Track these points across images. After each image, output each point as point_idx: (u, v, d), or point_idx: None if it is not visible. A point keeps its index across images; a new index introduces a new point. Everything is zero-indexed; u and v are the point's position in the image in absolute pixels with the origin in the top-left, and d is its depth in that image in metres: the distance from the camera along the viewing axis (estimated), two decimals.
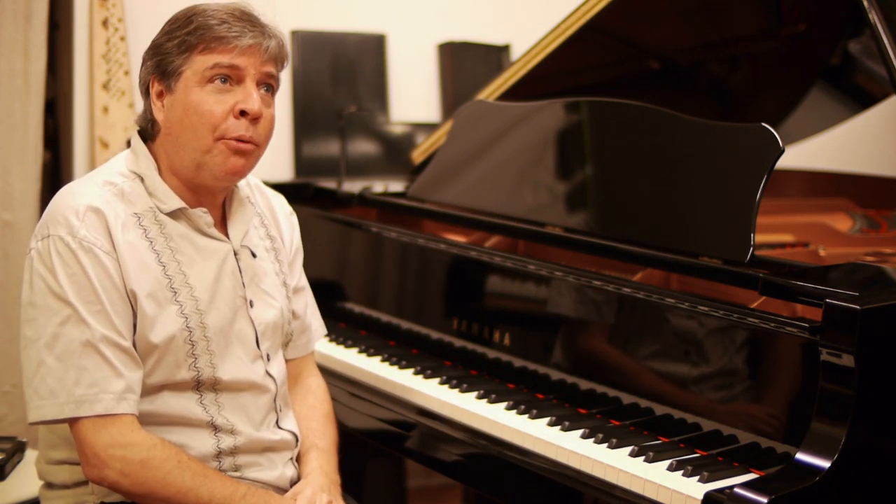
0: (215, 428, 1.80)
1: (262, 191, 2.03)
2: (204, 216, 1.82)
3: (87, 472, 1.71)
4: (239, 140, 1.75)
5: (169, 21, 1.80)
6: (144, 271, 1.74)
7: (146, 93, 1.81)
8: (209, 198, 1.84)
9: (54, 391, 1.67)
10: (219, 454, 1.80)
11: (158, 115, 1.79)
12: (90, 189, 1.76)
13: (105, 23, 3.11)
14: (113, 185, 1.77)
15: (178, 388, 1.77)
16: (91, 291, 1.68)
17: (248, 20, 1.77)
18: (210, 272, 1.81)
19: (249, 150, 1.78)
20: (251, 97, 1.75)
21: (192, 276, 1.78)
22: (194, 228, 1.81)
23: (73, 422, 1.69)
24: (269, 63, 1.78)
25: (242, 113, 1.75)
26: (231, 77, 1.75)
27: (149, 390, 1.75)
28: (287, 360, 2.00)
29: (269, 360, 1.87)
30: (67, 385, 1.66)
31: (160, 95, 1.78)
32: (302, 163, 3.46)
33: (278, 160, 3.42)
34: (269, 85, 1.80)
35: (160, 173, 1.80)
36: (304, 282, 2.06)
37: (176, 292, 1.76)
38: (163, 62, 1.77)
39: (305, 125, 3.47)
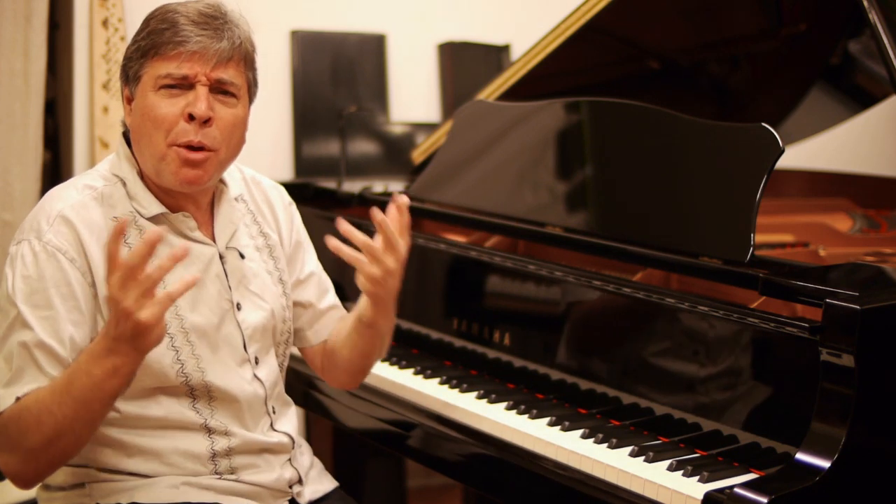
0: (209, 430, 1.79)
1: (258, 184, 2.00)
2: (186, 220, 1.80)
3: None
4: (189, 146, 1.73)
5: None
6: None
7: (122, 98, 1.81)
8: (191, 199, 1.82)
9: None
10: (214, 456, 1.80)
11: (127, 120, 1.79)
12: (69, 194, 1.76)
13: (105, 23, 3.11)
14: (93, 188, 1.77)
15: (170, 393, 1.77)
16: (42, 297, 1.67)
17: (203, 22, 1.73)
18: (189, 277, 1.79)
19: (201, 160, 1.74)
20: (199, 100, 1.72)
21: (171, 282, 1.75)
22: (177, 233, 1.80)
23: None
24: (221, 66, 1.74)
25: (191, 117, 1.72)
26: (182, 84, 1.73)
27: (142, 394, 1.75)
28: (310, 348, 2.03)
29: (257, 363, 1.86)
30: (1, 385, 1.66)
31: (129, 101, 1.78)
32: (302, 163, 3.46)
33: (278, 160, 3.42)
34: (224, 87, 1.76)
35: (142, 177, 1.80)
36: (312, 269, 2.04)
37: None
38: (126, 66, 1.77)
39: (305, 125, 3.46)
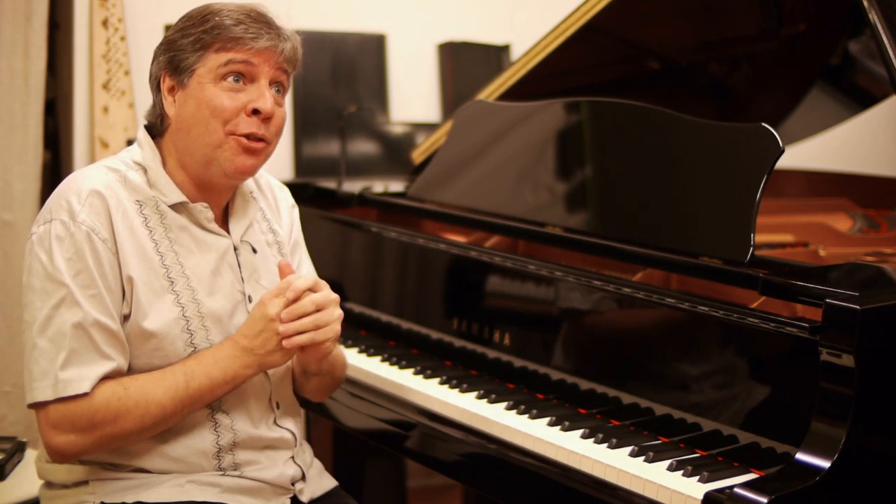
0: (215, 423, 1.81)
1: (267, 182, 2.04)
2: (204, 211, 1.83)
3: (51, 456, 1.74)
4: (250, 137, 1.77)
5: (183, 18, 1.82)
6: (142, 259, 1.75)
7: (157, 88, 1.83)
8: (214, 194, 1.85)
9: (45, 372, 1.68)
10: (219, 451, 1.81)
11: (170, 110, 1.81)
12: (95, 174, 1.78)
13: (105, 23, 3.11)
14: (117, 171, 1.80)
15: None
16: (88, 276, 1.70)
17: (265, 22, 1.79)
18: (208, 265, 1.82)
19: (260, 149, 1.80)
20: (264, 96, 1.77)
21: (188, 266, 1.80)
22: (194, 222, 1.83)
23: (50, 402, 1.69)
24: (282, 65, 1.80)
25: (255, 112, 1.77)
26: (244, 75, 1.77)
27: None
28: None
29: None
30: (56, 366, 1.67)
31: (171, 90, 1.80)
32: (302, 163, 3.46)
33: (278, 160, 3.42)
34: (280, 85, 1.82)
35: (164, 167, 1.82)
36: (302, 273, 2.05)
37: (173, 282, 1.77)
38: (176, 58, 1.79)
39: (305, 125, 3.47)
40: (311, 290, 1.79)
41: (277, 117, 1.81)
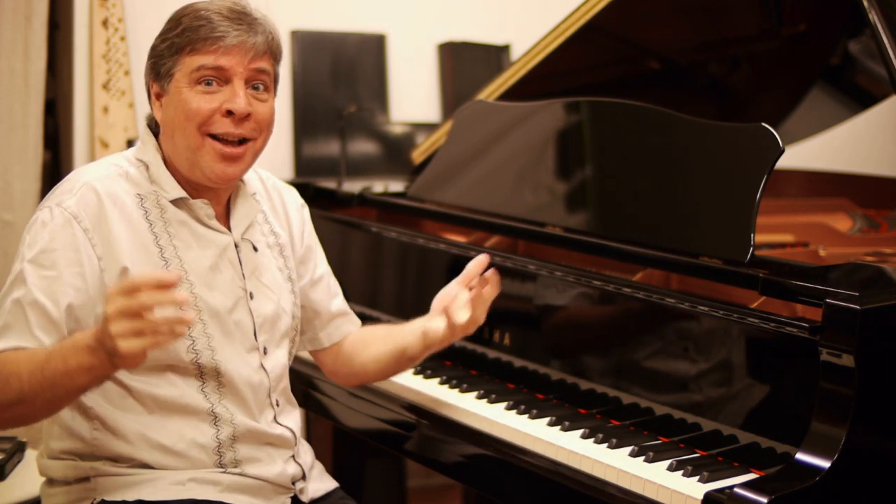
0: (215, 416, 1.81)
1: (273, 185, 2.04)
2: (205, 207, 1.83)
3: None
4: (226, 139, 1.76)
5: (166, 22, 1.82)
6: (141, 251, 1.76)
7: (149, 94, 1.84)
8: (211, 193, 1.85)
9: None
10: (219, 446, 1.81)
11: (157, 115, 1.83)
12: (96, 169, 1.80)
13: (105, 23, 3.11)
14: (118, 167, 1.81)
15: (180, 372, 1.78)
16: (49, 257, 1.69)
17: (236, 18, 1.77)
18: (206, 260, 1.82)
19: (239, 155, 1.78)
20: (237, 97, 1.76)
21: (187, 261, 1.80)
22: (195, 218, 1.84)
23: None
24: (257, 60, 1.78)
25: (229, 112, 1.76)
26: (218, 78, 1.76)
27: (152, 371, 1.76)
28: (322, 350, 2.08)
29: (265, 353, 1.88)
30: None
31: (158, 96, 1.81)
32: (302, 163, 3.46)
33: (278, 160, 3.42)
34: (260, 81, 1.80)
35: (165, 164, 1.83)
36: (322, 272, 2.08)
37: None
38: (156, 64, 1.80)
39: (305, 125, 3.47)
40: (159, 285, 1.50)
41: (259, 114, 1.79)
